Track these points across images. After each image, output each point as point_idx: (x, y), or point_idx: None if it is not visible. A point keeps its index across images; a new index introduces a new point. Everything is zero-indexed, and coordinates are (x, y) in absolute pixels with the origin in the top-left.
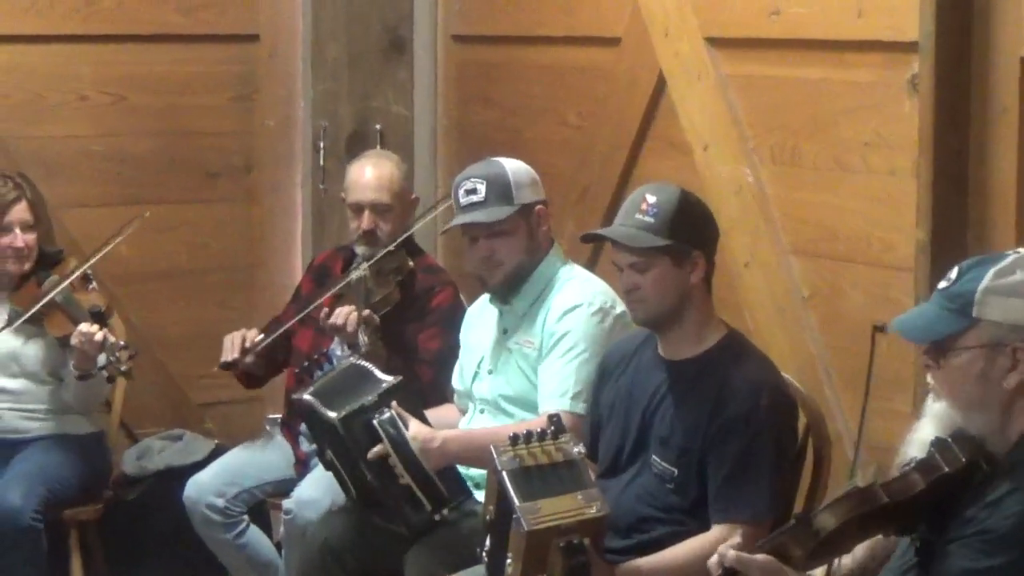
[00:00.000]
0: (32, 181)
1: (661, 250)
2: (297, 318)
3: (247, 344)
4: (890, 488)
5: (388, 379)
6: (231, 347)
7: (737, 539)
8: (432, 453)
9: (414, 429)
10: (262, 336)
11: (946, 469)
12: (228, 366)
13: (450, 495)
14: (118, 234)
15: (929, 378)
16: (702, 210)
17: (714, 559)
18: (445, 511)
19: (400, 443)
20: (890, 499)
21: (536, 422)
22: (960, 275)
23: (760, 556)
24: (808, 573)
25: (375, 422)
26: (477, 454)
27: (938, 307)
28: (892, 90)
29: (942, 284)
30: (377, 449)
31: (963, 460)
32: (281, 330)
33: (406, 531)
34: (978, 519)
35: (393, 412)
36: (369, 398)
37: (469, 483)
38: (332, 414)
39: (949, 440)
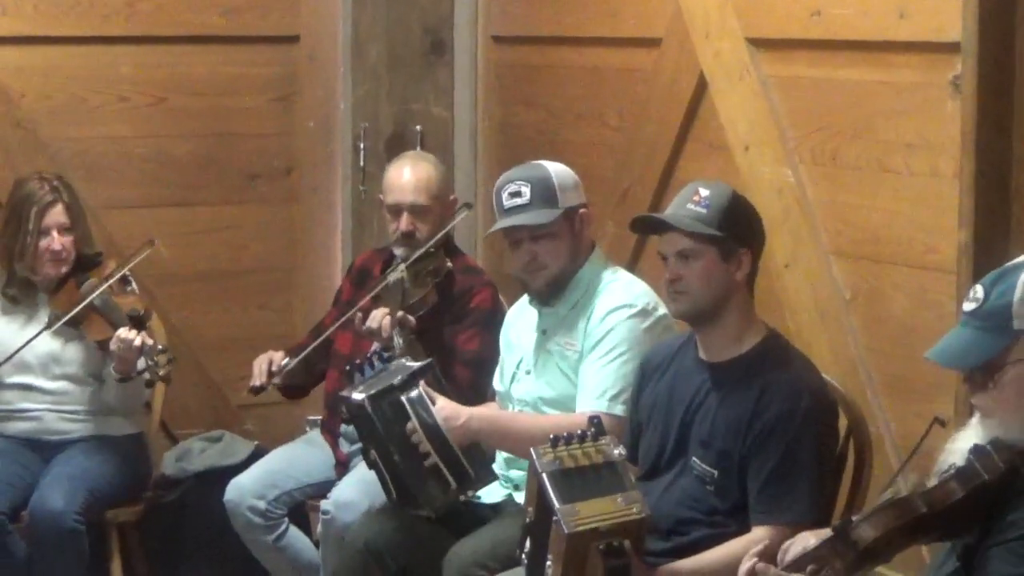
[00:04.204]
0: (69, 183)
1: (711, 240)
2: (329, 332)
3: (274, 368)
4: (928, 497)
5: (416, 363)
6: (259, 372)
7: (762, 546)
8: (456, 429)
9: (440, 404)
10: (287, 360)
11: (985, 477)
12: (257, 391)
13: (476, 477)
14: (134, 255)
15: (974, 400)
16: (752, 211)
17: (746, 567)
18: (470, 492)
19: (427, 420)
20: (928, 509)
21: (571, 419)
22: (987, 293)
23: None
24: None
25: (403, 399)
26: (500, 435)
27: (973, 329)
28: (934, 91)
29: (969, 306)
30: (408, 426)
31: (1002, 467)
32: (308, 348)
33: (431, 512)
34: (1019, 524)
35: (421, 390)
36: (397, 378)
37: (509, 484)
38: (360, 396)
39: (988, 447)
